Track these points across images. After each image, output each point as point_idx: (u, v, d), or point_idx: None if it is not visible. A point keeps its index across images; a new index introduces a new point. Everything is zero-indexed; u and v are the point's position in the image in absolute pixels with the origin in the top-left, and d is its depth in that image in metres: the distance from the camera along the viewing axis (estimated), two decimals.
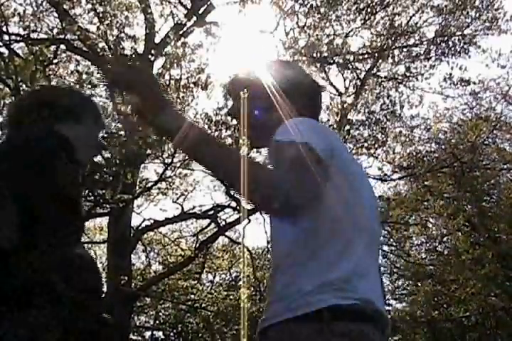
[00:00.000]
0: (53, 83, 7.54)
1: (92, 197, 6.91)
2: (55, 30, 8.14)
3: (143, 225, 9.24)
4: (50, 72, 7.99)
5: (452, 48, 10.23)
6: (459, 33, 10.39)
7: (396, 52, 10.29)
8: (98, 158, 6.34)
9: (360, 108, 10.14)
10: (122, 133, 7.10)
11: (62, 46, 8.39)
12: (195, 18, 8.97)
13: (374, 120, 9.95)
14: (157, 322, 16.05)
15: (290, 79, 1.48)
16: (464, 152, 11.53)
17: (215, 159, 1.19)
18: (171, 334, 16.14)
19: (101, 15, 7.95)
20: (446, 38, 10.30)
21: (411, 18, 10.25)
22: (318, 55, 9.53)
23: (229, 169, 1.17)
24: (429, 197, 12.13)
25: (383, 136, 10.07)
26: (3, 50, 7.36)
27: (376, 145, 9.93)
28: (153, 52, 8.40)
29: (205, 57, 8.05)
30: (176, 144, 1.19)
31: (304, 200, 1.17)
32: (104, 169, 6.72)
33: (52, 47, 8.01)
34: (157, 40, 8.91)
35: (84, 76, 6.81)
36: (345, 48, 9.76)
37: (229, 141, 8.26)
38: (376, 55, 10.18)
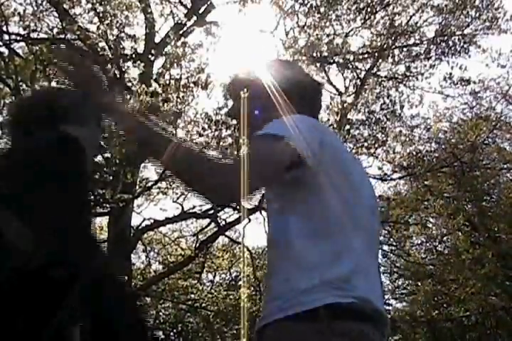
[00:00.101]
0: (53, 83, 7.53)
1: (92, 197, 6.91)
2: (55, 30, 8.15)
3: (143, 225, 9.21)
4: (50, 72, 7.98)
5: (452, 48, 10.21)
6: (459, 32, 10.38)
7: (396, 51, 10.27)
8: (98, 158, 6.33)
9: (360, 107, 10.12)
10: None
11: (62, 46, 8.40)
12: (195, 18, 8.98)
13: (374, 120, 9.93)
14: (157, 321, 16.03)
15: (290, 78, 1.48)
16: (464, 152, 11.52)
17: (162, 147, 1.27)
18: (171, 333, 16.12)
19: (101, 14, 7.94)
20: (446, 38, 10.28)
21: (411, 17, 10.24)
22: (318, 54, 9.51)
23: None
24: (429, 197, 12.10)
25: (383, 135, 10.06)
26: (4, 49, 7.37)
27: (376, 145, 9.92)
28: (153, 51, 8.40)
29: (205, 57, 8.03)
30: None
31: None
32: (104, 169, 6.71)
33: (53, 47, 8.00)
34: (157, 39, 8.92)
35: None
36: (345, 48, 9.73)
37: (229, 140, 8.26)
38: (376, 54, 10.16)
